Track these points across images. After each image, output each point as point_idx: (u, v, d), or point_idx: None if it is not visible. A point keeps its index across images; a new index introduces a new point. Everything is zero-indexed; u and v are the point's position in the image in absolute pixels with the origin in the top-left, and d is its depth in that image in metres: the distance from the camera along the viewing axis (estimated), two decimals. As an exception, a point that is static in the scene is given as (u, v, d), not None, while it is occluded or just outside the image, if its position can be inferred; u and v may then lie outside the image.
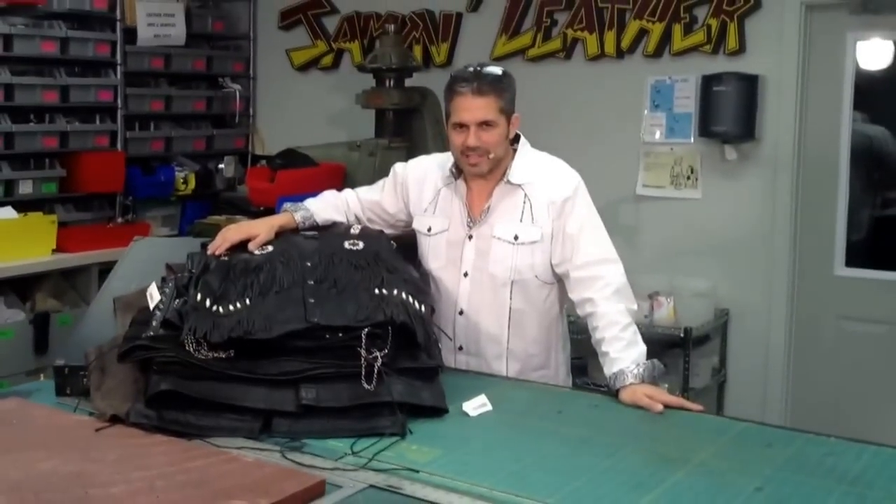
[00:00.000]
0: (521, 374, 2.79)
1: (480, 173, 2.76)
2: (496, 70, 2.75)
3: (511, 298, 2.77)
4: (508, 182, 2.76)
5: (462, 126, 2.68)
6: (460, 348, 2.81)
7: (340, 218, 2.92)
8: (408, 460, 2.02)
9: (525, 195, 2.76)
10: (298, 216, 2.83)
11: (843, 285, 4.54)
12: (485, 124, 2.67)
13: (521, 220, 2.75)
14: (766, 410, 4.57)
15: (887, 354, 4.43)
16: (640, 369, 2.52)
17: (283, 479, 1.86)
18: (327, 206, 2.92)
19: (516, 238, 2.74)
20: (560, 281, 2.80)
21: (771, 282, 4.61)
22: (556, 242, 2.74)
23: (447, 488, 1.89)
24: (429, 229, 2.86)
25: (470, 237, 2.79)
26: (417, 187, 2.90)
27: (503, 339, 2.79)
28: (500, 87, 2.70)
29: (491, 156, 2.71)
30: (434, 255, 2.85)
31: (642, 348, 2.60)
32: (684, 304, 4.52)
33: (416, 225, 2.90)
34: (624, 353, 2.56)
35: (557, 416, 2.35)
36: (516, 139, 2.83)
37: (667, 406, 2.42)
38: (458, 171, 2.83)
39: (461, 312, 2.80)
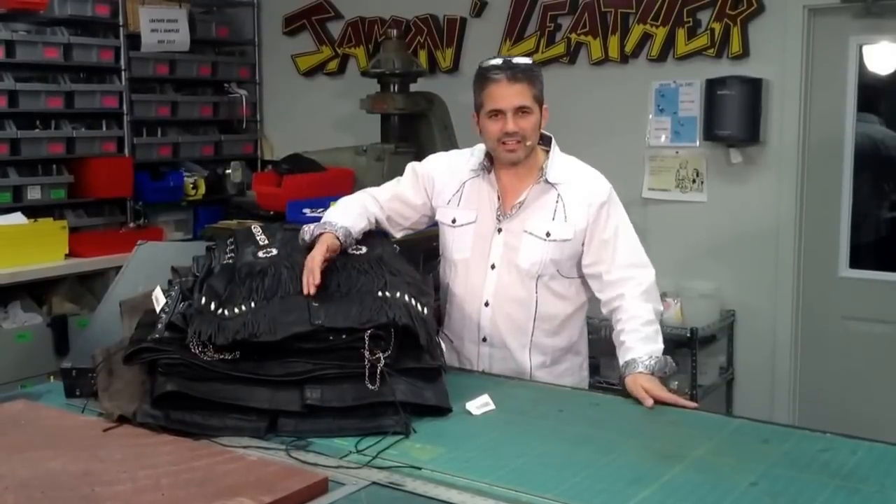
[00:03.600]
0: (543, 366, 2.82)
1: (517, 160, 2.78)
2: (527, 59, 2.80)
3: (537, 292, 2.80)
4: (546, 181, 2.80)
5: (498, 113, 2.71)
6: (484, 339, 2.84)
7: (368, 226, 2.82)
8: (411, 458, 2.05)
9: (558, 195, 2.80)
10: (341, 235, 2.65)
11: (848, 286, 4.55)
12: (521, 110, 2.70)
13: (553, 219, 2.78)
14: (774, 409, 4.60)
15: (892, 353, 4.45)
16: (652, 361, 2.56)
17: (287, 477, 1.88)
18: (357, 217, 2.78)
19: (548, 235, 2.77)
20: (582, 277, 2.84)
21: (776, 283, 4.63)
22: (588, 244, 2.78)
23: (448, 484, 1.92)
24: (453, 221, 2.88)
25: (499, 230, 2.82)
26: (441, 180, 2.92)
27: (528, 331, 2.81)
28: (532, 76, 2.74)
29: (528, 143, 2.75)
30: (459, 247, 2.87)
31: (659, 346, 2.64)
32: (691, 305, 4.56)
33: (438, 216, 2.93)
34: (640, 345, 2.61)
35: (559, 414, 2.38)
36: (548, 141, 2.87)
37: (661, 402, 2.45)
38: (489, 164, 2.86)
39: (486, 304, 2.82)
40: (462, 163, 2.92)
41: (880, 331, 4.47)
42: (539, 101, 2.75)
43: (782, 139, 4.55)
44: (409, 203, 2.94)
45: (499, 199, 2.83)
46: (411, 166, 3.00)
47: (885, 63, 4.46)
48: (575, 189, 2.80)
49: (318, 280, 2.41)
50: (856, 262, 4.55)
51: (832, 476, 1.95)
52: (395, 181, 3.00)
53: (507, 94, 2.70)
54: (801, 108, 4.51)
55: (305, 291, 2.39)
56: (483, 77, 2.75)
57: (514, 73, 2.70)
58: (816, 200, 4.57)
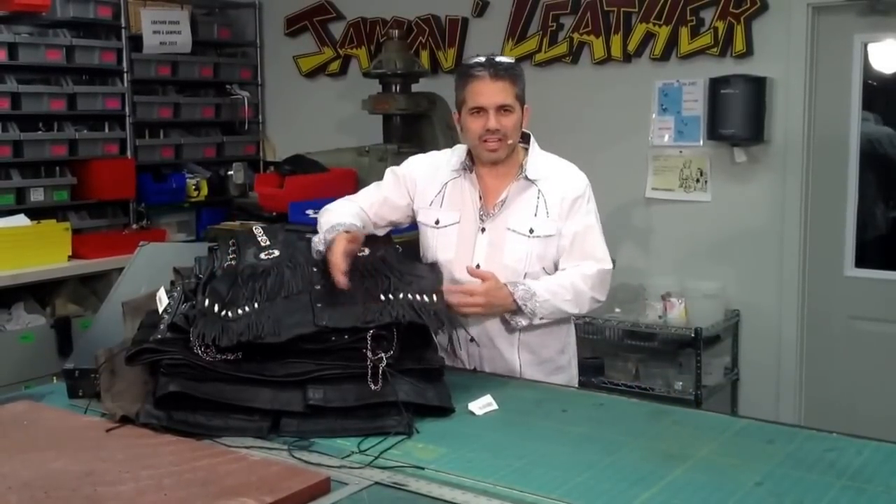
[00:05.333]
0: (532, 365, 2.81)
1: (498, 158, 2.77)
2: (509, 58, 2.81)
3: None
4: (525, 178, 2.79)
5: (480, 110, 2.71)
6: (472, 339, 2.81)
7: (363, 225, 2.79)
8: (414, 458, 2.04)
9: (539, 191, 2.79)
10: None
11: (853, 286, 4.54)
12: (503, 108, 2.70)
13: (535, 215, 2.78)
14: (780, 409, 4.60)
15: (898, 353, 4.45)
16: (522, 290, 2.66)
17: (289, 477, 1.88)
18: (355, 217, 2.77)
19: (531, 231, 2.77)
20: None
21: (781, 283, 4.62)
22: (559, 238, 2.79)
23: (452, 485, 1.91)
24: (436, 222, 2.86)
25: (483, 230, 2.81)
26: (423, 181, 2.90)
27: (516, 330, 2.79)
28: (515, 74, 2.74)
29: (509, 141, 2.74)
30: (443, 248, 2.84)
31: (545, 296, 2.69)
32: (695, 305, 4.56)
33: (420, 218, 2.90)
34: (536, 283, 2.69)
35: (562, 414, 2.36)
36: (526, 138, 2.86)
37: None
38: (470, 164, 2.85)
39: None
40: (443, 163, 2.91)
41: (886, 330, 4.46)
42: (521, 99, 2.76)
43: (787, 138, 4.54)
44: (394, 205, 2.92)
45: (480, 198, 2.82)
46: (391, 170, 2.98)
47: (890, 61, 4.44)
48: (554, 185, 2.80)
49: (342, 268, 2.43)
50: (862, 262, 4.54)
51: (838, 476, 1.94)
52: (374, 186, 2.98)
53: (490, 92, 2.70)
54: (805, 107, 4.50)
55: (339, 284, 2.41)
56: (466, 74, 2.76)
57: (497, 70, 2.71)
58: (821, 199, 4.56)
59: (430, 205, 2.88)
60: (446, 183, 2.87)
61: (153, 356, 2.24)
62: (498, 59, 2.76)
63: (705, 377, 4.48)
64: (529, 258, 2.77)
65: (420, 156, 3.02)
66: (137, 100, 5.39)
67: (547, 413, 2.37)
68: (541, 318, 2.70)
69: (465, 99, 2.75)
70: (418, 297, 2.39)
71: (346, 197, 2.96)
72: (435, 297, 2.42)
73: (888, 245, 4.63)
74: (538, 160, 2.83)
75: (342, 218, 2.72)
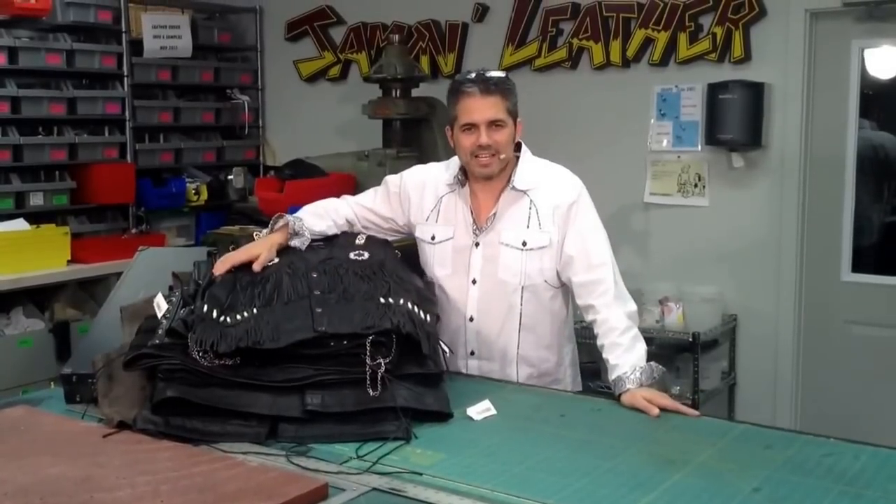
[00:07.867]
0: (531, 377, 2.80)
1: (491, 174, 2.75)
2: (499, 73, 2.79)
3: (522, 304, 2.78)
4: (514, 188, 2.77)
5: (472, 127, 2.70)
6: (472, 353, 2.82)
7: (324, 226, 2.83)
8: (412, 464, 2.04)
9: (531, 201, 2.77)
10: (297, 225, 2.75)
11: (850, 290, 4.55)
12: (494, 123, 2.69)
13: (528, 227, 2.76)
14: (776, 414, 4.60)
15: (894, 357, 4.44)
16: (638, 373, 2.53)
17: (287, 483, 1.88)
18: (317, 218, 2.84)
19: (524, 244, 2.75)
20: (565, 285, 2.81)
21: (778, 287, 4.62)
22: (559, 248, 2.76)
23: (450, 490, 1.91)
24: (432, 238, 2.86)
25: (476, 244, 2.80)
26: (417, 196, 2.90)
27: (514, 344, 2.80)
28: (506, 89, 2.73)
29: (502, 156, 2.72)
30: (440, 263, 2.85)
31: (640, 352, 2.61)
32: (693, 309, 4.56)
33: (417, 234, 2.91)
34: (622, 360, 2.58)
35: (560, 419, 2.37)
36: (518, 147, 2.84)
37: (664, 409, 2.43)
38: (464, 178, 2.84)
39: (471, 319, 2.81)
40: (438, 177, 2.90)
41: (883, 335, 4.46)
42: (513, 114, 2.74)
43: (784, 143, 4.55)
44: (380, 214, 2.94)
45: (472, 213, 2.81)
46: (386, 181, 2.98)
47: (887, 67, 4.45)
48: (545, 193, 2.78)
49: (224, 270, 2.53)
50: (858, 267, 4.55)
51: (835, 481, 1.95)
52: (373, 191, 3.00)
53: (481, 107, 2.69)
54: (803, 113, 4.50)
55: (215, 274, 2.50)
56: (456, 91, 2.74)
57: (487, 85, 2.69)
58: (818, 204, 4.57)
59: (427, 220, 2.88)
60: (441, 198, 2.87)
61: (151, 361, 2.25)
62: (488, 73, 2.74)
63: (702, 381, 4.49)
64: (525, 272, 2.76)
65: (417, 168, 3.02)
66: (137, 104, 5.38)
67: (545, 418, 2.38)
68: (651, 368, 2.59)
69: (457, 115, 2.74)
70: (416, 308, 2.39)
71: (344, 196, 2.99)
72: (429, 318, 2.42)
73: (884, 250, 4.63)
74: (528, 169, 2.80)
75: (302, 213, 2.82)
